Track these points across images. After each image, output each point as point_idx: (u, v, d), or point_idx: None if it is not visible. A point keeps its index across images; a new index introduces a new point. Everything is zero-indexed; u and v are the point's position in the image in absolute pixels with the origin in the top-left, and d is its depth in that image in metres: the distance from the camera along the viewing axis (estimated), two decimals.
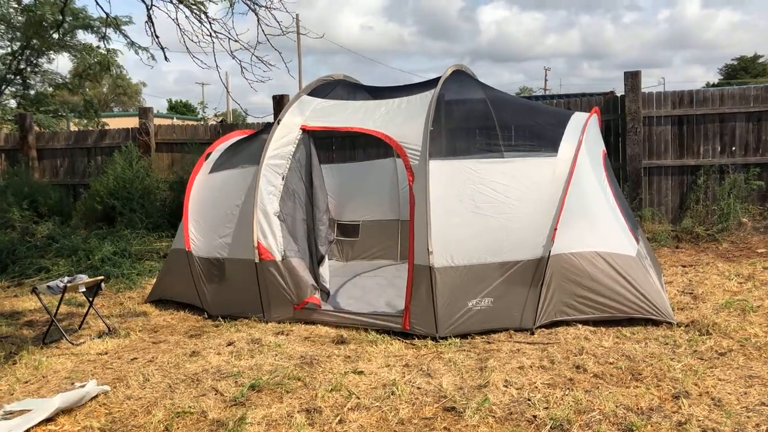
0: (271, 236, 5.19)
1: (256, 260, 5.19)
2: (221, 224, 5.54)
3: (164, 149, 10.91)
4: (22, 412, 3.55)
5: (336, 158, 8.77)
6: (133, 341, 5.01)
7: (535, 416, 3.31)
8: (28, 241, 8.23)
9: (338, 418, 3.39)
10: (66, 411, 3.58)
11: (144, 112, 11.10)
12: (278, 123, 5.53)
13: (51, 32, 14.75)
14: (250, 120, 11.00)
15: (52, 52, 15.93)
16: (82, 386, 3.83)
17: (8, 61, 15.74)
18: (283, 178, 5.26)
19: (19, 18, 14.95)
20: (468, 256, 4.67)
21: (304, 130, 5.45)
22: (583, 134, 5.03)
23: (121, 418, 3.51)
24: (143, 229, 9.05)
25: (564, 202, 4.69)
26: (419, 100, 5.30)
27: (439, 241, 4.65)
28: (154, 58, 13.06)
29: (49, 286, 5.02)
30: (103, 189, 9.77)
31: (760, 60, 47.44)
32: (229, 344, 4.69)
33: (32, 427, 3.39)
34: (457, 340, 4.62)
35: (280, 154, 5.33)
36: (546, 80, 55.98)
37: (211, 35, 5.46)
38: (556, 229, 4.65)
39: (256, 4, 5.33)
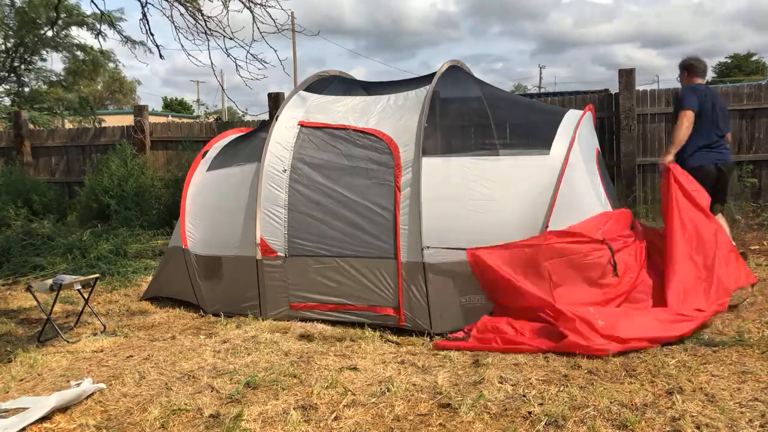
0: (274, 232, 5.18)
1: (258, 257, 5.19)
2: (220, 221, 5.54)
3: (159, 147, 10.90)
4: (17, 410, 3.55)
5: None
6: (129, 339, 5.01)
7: (530, 412, 3.33)
8: (23, 239, 8.21)
9: (334, 414, 3.40)
10: (61, 409, 3.58)
11: (139, 110, 11.09)
12: (276, 119, 5.52)
13: (45, 30, 14.72)
14: (246, 117, 11.01)
15: (46, 50, 15.90)
16: (78, 384, 3.83)
17: (2, 59, 15.70)
18: (285, 173, 5.25)
19: (13, 16, 14.92)
20: (460, 252, 4.69)
21: (303, 126, 5.45)
22: (575, 132, 5.04)
23: (117, 416, 3.52)
24: (139, 227, 9.05)
25: (555, 201, 4.71)
26: (414, 97, 5.32)
27: (432, 237, 4.67)
28: (150, 51, 13.07)
29: (51, 287, 5.00)
30: (99, 187, 9.76)
31: (754, 58, 47.63)
32: (225, 342, 4.69)
33: (28, 426, 3.40)
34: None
35: (280, 150, 5.33)
36: (540, 78, 56.05)
37: (206, 33, 5.46)
38: (547, 227, 4.67)
39: (252, 2, 5.32)
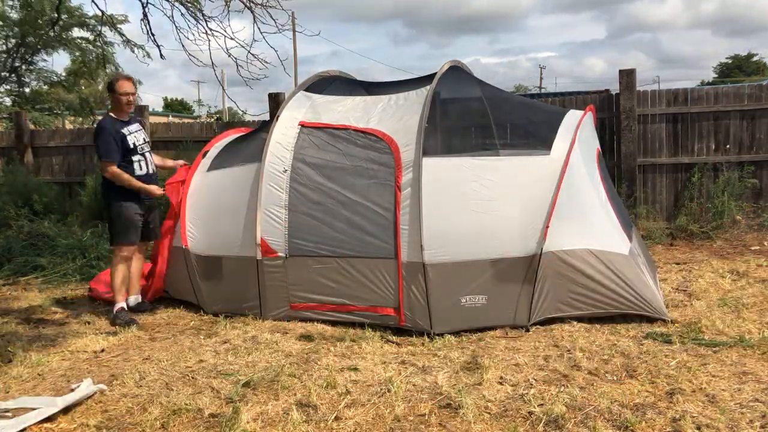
0: (275, 232, 5.18)
1: (258, 257, 5.19)
2: (221, 221, 5.54)
3: (161, 147, 10.86)
4: (17, 410, 3.54)
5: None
6: (129, 339, 5.00)
7: (530, 413, 3.33)
8: (24, 239, 8.21)
9: (334, 414, 3.40)
10: (62, 409, 3.57)
11: (140, 111, 11.07)
12: (277, 119, 5.52)
13: (46, 30, 14.71)
14: (246, 117, 11.00)
15: (47, 49, 15.88)
16: (78, 386, 3.82)
17: (3, 59, 15.69)
18: (285, 174, 5.24)
19: (14, 15, 14.91)
20: (460, 252, 4.70)
21: (303, 126, 5.45)
22: (576, 133, 5.05)
23: (117, 416, 3.52)
24: None
25: (556, 201, 4.71)
26: (415, 97, 5.32)
27: (432, 237, 4.68)
28: (150, 56, 13.05)
29: None
30: (99, 187, 9.74)
31: (754, 59, 47.67)
32: (225, 342, 4.70)
33: (29, 426, 3.40)
34: (452, 337, 4.64)
35: (281, 150, 5.33)
36: (541, 78, 56.05)
37: (207, 33, 5.46)
38: (547, 227, 4.67)
39: (252, 2, 5.32)
